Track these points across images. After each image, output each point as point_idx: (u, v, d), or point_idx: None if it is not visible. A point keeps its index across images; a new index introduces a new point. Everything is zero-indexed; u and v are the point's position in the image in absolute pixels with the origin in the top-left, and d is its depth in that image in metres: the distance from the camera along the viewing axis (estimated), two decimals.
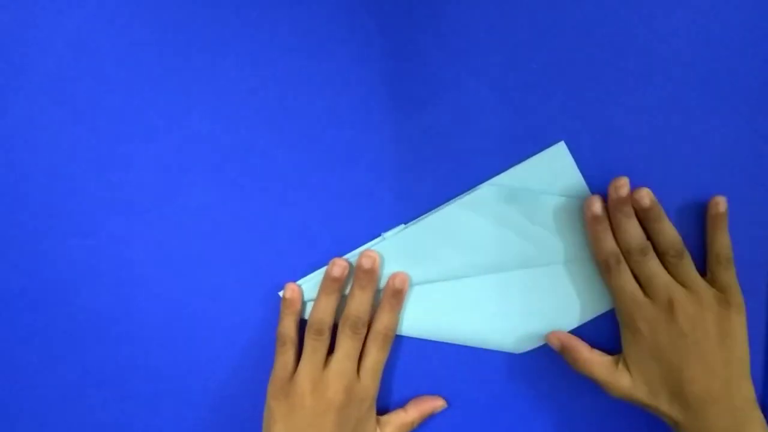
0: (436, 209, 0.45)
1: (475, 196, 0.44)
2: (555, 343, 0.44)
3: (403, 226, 0.45)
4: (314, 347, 0.43)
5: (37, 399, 0.46)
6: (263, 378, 0.44)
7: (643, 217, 0.42)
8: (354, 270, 0.44)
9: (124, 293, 0.45)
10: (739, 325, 0.41)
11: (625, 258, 0.42)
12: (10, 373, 0.46)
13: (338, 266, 0.43)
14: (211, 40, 0.44)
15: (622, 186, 0.42)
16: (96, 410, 0.44)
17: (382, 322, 0.43)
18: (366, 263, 0.43)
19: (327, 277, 0.43)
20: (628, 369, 0.42)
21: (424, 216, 0.45)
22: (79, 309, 0.45)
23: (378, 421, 0.44)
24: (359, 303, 0.43)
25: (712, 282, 0.42)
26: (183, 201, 0.45)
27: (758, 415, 0.41)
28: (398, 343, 0.46)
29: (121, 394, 0.46)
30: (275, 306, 0.45)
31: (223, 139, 0.45)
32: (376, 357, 0.43)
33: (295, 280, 0.45)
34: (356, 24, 0.44)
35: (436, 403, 0.45)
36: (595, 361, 0.43)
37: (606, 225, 0.42)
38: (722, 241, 0.43)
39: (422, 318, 0.45)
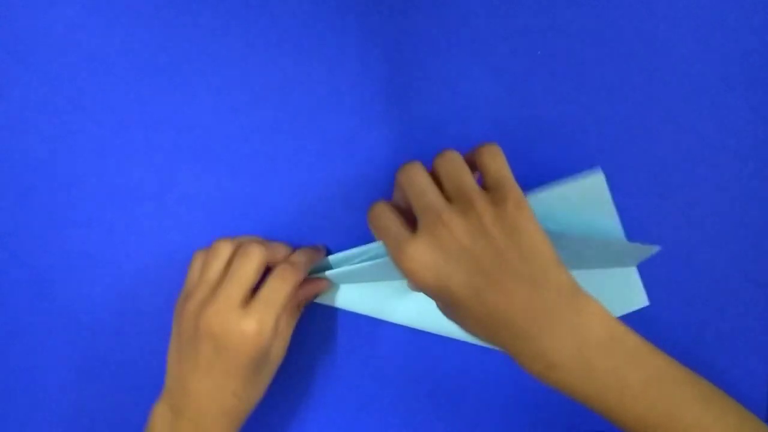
0: None
1: None
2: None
3: None
4: (231, 291, 0.38)
5: (34, 392, 0.46)
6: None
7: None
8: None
9: (123, 285, 0.45)
10: (520, 218, 0.34)
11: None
12: (7, 365, 0.46)
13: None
14: (210, 32, 0.44)
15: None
16: (93, 404, 0.43)
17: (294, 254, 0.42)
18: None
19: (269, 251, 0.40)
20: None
21: None
22: (76, 300, 0.45)
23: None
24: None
25: (486, 176, 0.36)
26: (181, 191, 0.45)
27: (583, 297, 0.33)
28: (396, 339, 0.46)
29: (118, 388, 0.46)
30: None
31: (221, 130, 0.45)
32: (276, 287, 0.39)
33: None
34: (357, 14, 0.44)
35: (319, 287, 0.42)
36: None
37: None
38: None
39: (420, 310, 0.44)
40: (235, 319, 0.37)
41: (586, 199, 0.39)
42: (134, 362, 0.45)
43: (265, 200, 0.45)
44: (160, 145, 0.45)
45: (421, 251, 0.34)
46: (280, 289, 0.39)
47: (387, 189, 0.45)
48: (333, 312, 0.45)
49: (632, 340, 0.34)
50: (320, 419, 0.46)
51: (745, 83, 0.44)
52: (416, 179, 0.35)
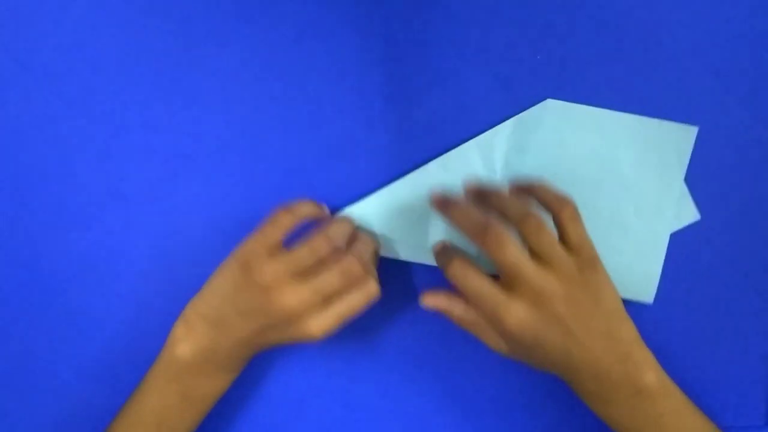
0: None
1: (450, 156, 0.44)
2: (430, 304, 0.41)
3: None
4: (302, 259, 0.40)
5: (34, 393, 0.45)
6: (262, 374, 0.44)
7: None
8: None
9: (122, 287, 0.45)
10: (601, 281, 0.38)
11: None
12: (7, 366, 0.45)
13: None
14: (210, 34, 0.44)
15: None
16: (92, 405, 0.43)
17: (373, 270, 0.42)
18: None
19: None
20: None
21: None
22: (76, 302, 0.45)
23: None
24: (364, 244, 0.42)
25: (566, 237, 0.39)
26: (181, 194, 0.45)
27: (645, 353, 0.39)
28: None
29: (117, 388, 0.45)
30: None
31: (221, 132, 0.45)
32: (352, 303, 0.40)
33: None
34: (356, 16, 0.44)
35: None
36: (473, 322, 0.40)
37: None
38: (555, 199, 0.39)
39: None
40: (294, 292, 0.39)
41: (668, 141, 0.43)
42: (134, 364, 0.45)
43: (265, 203, 0.45)
44: (160, 148, 0.45)
45: (522, 314, 0.37)
46: (355, 304, 0.40)
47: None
48: None
49: (678, 394, 0.39)
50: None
51: (745, 84, 0.44)
52: (509, 248, 0.37)
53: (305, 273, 0.39)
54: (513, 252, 0.37)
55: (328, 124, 0.45)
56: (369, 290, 0.40)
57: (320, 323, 0.39)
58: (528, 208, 0.38)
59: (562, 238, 0.39)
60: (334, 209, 0.45)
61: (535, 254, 0.38)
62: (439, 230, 0.44)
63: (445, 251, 0.41)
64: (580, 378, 0.39)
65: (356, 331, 0.45)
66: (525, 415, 0.46)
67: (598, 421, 0.40)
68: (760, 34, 0.44)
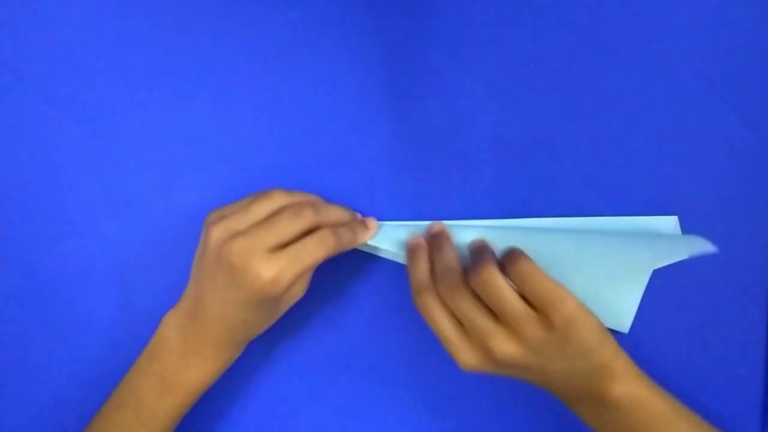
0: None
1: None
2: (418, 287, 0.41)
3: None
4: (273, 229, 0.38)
5: (32, 400, 0.45)
6: (260, 379, 0.44)
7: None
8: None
9: (119, 294, 0.45)
10: (576, 333, 0.37)
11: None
12: (4, 374, 0.45)
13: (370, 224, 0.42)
14: (207, 38, 0.44)
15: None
16: (90, 411, 0.43)
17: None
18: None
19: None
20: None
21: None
22: (74, 310, 0.45)
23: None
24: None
25: (527, 296, 0.38)
26: (179, 200, 0.45)
27: (622, 365, 0.39)
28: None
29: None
30: None
31: (219, 138, 0.45)
32: (313, 251, 0.39)
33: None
34: (353, 22, 0.44)
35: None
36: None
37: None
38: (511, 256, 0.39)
39: None
40: (257, 261, 0.37)
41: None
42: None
43: None
44: (158, 153, 0.45)
45: (507, 349, 0.38)
46: (312, 252, 0.38)
47: (383, 198, 0.45)
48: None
49: (658, 407, 0.39)
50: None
51: (736, 91, 0.44)
52: (499, 290, 0.38)
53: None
54: (508, 294, 0.38)
55: (325, 127, 0.45)
56: (325, 239, 0.39)
57: (269, 266, 0.37)
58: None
59: (524, 299, 0.38)
60: None
61: (496, 311, 0.38)
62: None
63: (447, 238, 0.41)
64: (548, 387, 0.40)
65: (355, 332, 0.45)
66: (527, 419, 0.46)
67: None
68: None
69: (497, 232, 0.42)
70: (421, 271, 0.41)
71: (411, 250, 0.42)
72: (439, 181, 0.45)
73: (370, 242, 0.43)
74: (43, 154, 0.44)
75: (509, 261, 0.39)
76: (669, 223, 0.44)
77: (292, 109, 0.45)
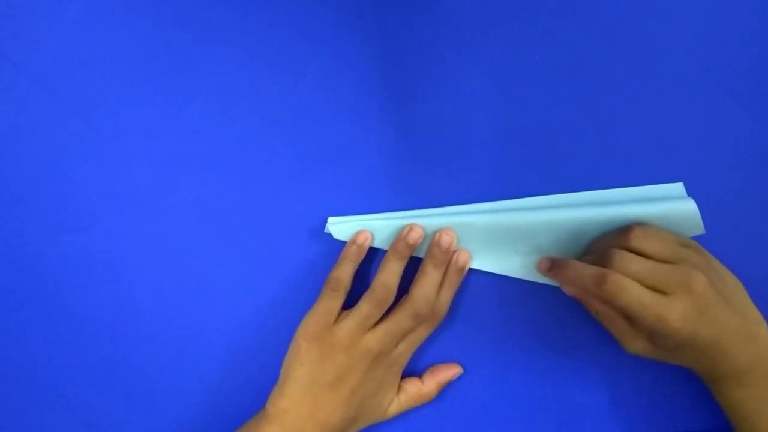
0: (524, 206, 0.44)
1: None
2: (572, 292, 0.43)
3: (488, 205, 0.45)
4: (370, 313, 0.42)
5: (31, 397, 0.45)
6: (256, 377, 0.44)
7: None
8: (430, 247, 0.43)
9: (119, 290, 0.45)
10: (718, 263, 0.41)
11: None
12: (3, 371, 0.45)
13: (416, 233, 0.42)
14: (208, 35, 0.44)
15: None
16: (90, 408, 0.43)
17: (439, 300, 0.43)
18: (445, 242, 0.42)
19: (403, 242, 0.42)
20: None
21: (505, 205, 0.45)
22: (74, 306, 0.45)
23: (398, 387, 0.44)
24: (430, 282, 0.42)
25: (669, 247, 0.41)
26: (179, 197, 0.45)
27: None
28: None
29: (115, 392, 0.45)
30: (271, 304, 0.45)
31: (219, 134, 0.45)
32: (421, 334, 0.43)
33: (290, 277, 0.45)
34: (354, 18, 0.44)
35: (452, 371, 0.45)
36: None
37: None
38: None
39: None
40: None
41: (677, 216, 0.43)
42: (133, 368, 0.45)
43: (263, 206, 0.45)
44: (158, 151, 0.45)
45: (683, 312, 0.38)
46: (423, 334, 0.44)
47: (385, 194, 0.45)
48: None
49: None
50: None
51: (742, 87, 0.44)
52: (630, 287, 0.39)
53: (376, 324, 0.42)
54: (635, 290, 0.38)
55: (326, 126, 0.45)
56: (435, 320, 0.43)
57: (399, 352, 0.42)
58: (597, 270, 0.39)
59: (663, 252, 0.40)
60: (335, 213, 0.45)
61: (663, 258, 0.39)
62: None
63: (565, 264, 0.41)
64: (716, 363, 0.39)
65: None
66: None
67: None
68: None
69: (506, 216, 0.43)
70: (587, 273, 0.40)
71: (546, 268, 0.42)
72: (443, 175, 0.45)
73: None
74: (42, 151, 0.45)
75: (624, 239, 0.40)
76: (675, 189, 0.44)
77: (294, 105, 0.45)
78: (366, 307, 0.42)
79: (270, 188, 0.45)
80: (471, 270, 0.44)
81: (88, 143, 0.45)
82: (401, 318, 0.42)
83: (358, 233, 0.43)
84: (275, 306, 0.45)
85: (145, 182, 0.45)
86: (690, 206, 0.42)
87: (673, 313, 0.38)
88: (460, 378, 0.45)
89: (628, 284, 0.38)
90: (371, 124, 0.45)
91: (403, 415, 0.45)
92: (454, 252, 0.43)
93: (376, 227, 0.44)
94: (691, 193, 0.44)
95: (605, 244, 0.41)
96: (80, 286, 0.45)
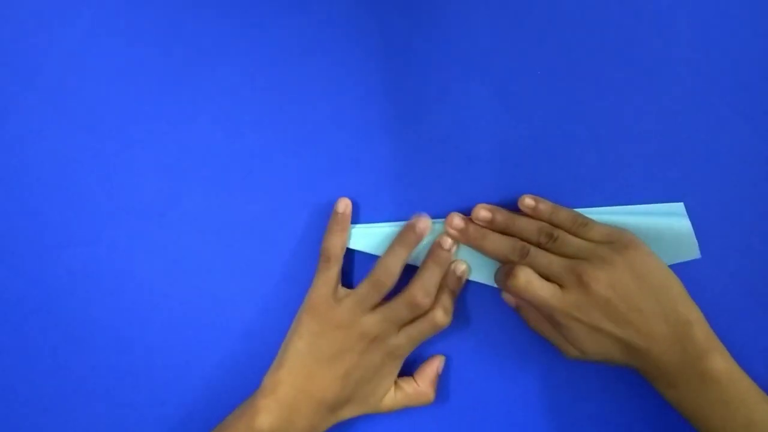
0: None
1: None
2: (510, 301, 0.44)
3: None
4: (369, 293, 0.42)
5: (38, 407, 0.46)
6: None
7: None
8: (432, 247, 0.44)
9: (125, 301, 0.46)
10: (645, 256, 0.40)
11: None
12: (10, 380, 0.46)
13: (424, 222, 0.43)
14: (212, 45, 0.45)
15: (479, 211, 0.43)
16: (96, 418, 0.44)
17: (441, 303, 0.43)
18: (447, 242, 0.43)
19: (410, 230, 0.43)
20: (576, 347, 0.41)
21: None
22: (80, 317, 0.46)
23: (395, 383, 0.44)
24: (430, 275, 0.43)
25: (594, 238, 0.41)
26: (185, 209, 0.45)
27: (708, 335, 0.39)
28: None
29: (120, 401, 0.46)
30: (279, 317, 0.45)
31: (225, 147, 0.45)
32: (422, 330, 0.43)
33: (294, 287, 0.45)
34: (358, 29, 0.45)
35: (436, 363, 0.45)
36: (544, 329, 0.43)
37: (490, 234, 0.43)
38: (563, 215, 0.43)
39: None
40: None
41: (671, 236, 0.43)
42: (138, 376, 0.46)
43: (270, 214, 0.45)
44: (165, 164, 0.45)
45: (574, 305, 0.39)
46: (424, 330, 0.43)
47: (389, 204, 0.45)
48: None
49: (745, 380, 0.39)
50: None
51: (741, 90, 0.44)
52: (540, 257, 0.41)
53: (374, 306, 0.42)
54: (535, 281, 0.39)
55: (331, 130, 0.45)
56: (435, 320, 0.43)
57: (397, 341, 0.42)
58: (538, 225, 0.41)
59: (587, 243, 0.41)
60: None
61: (569, 254, 0.40)
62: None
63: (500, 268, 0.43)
64: (644, 364, 0.39)
65: None
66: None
67: None
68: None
69: None
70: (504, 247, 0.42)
71: (476, 236, 0.43)
72: (444, 184, 0.45)
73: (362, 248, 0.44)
74: (49, 163, 0.45)
75: (567, 219, 0.42)
76: (676, 209, 0.44)
77: (299, 117, 0.45)
78: (365, 286, 0.42)
79: (276, 200, 0.46)
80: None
81: (94, 156, 0.45)
82: (398, 305, 0.42)
83: (338, 201, 0.44)
84: (284, 319, 0.45)
85: (152, 195, 0.45)
86: (685, 228, 0.42)
87: (563, 304, 0.39)
88: (460, 381, 0.45)
89: (530, 275, 0.39)
90: (375, 136, 0.45)
91: (404, 416, 0.45)
92: (454, 261, 0.44)
93: (377, 235, 0.44)
94: (688, 200, 0.44)
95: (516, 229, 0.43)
96: (87, 298, 0.45)
